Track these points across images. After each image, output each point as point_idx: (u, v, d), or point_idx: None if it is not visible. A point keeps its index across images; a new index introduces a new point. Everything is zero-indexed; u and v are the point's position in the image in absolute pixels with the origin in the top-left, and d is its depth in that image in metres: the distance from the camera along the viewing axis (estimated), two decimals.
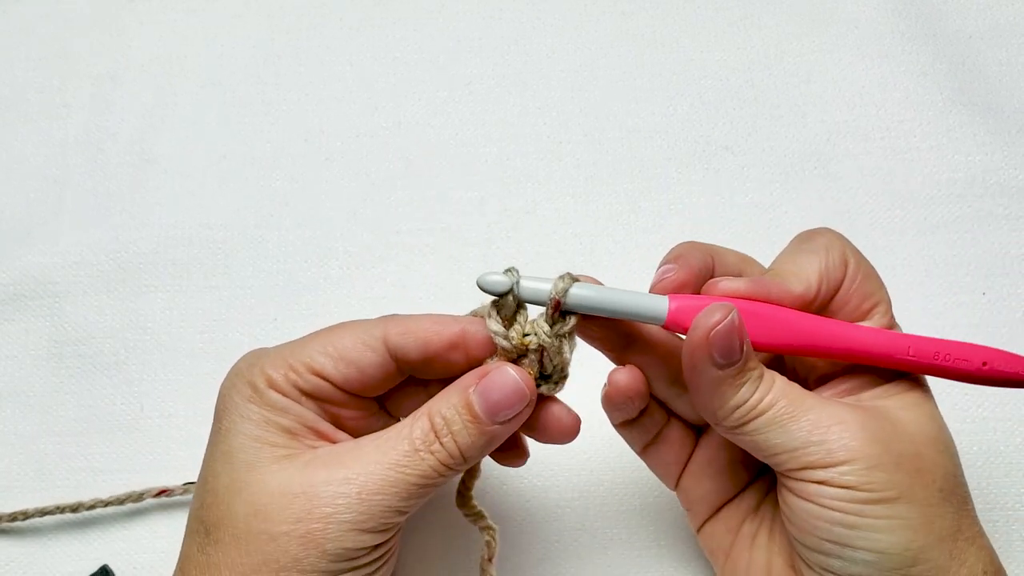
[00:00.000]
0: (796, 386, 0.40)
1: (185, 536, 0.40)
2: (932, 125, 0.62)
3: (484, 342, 0.40)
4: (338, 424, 0.42)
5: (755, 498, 0.46)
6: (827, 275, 0.41)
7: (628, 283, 0.42)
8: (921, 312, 0.57)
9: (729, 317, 0.38)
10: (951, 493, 0.39)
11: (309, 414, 0.40)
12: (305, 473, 0.38)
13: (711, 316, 0.38)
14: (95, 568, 0.53)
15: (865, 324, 0.42)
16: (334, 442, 0.41)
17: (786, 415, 0.38)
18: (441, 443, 0.39)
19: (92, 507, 0.53)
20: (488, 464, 0.45)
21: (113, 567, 0.53)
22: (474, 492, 0.45)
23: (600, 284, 0.40)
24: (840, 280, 0.41)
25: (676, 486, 0.47)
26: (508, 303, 0.40)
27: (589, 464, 0.54)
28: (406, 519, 0.40)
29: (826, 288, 0.41)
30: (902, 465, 0.38)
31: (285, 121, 0.65)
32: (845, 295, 0.42)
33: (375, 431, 0.41)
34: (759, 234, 0.60)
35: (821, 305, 0.42)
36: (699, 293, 0.41)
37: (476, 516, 0.46)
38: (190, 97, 0.66)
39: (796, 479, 0.39)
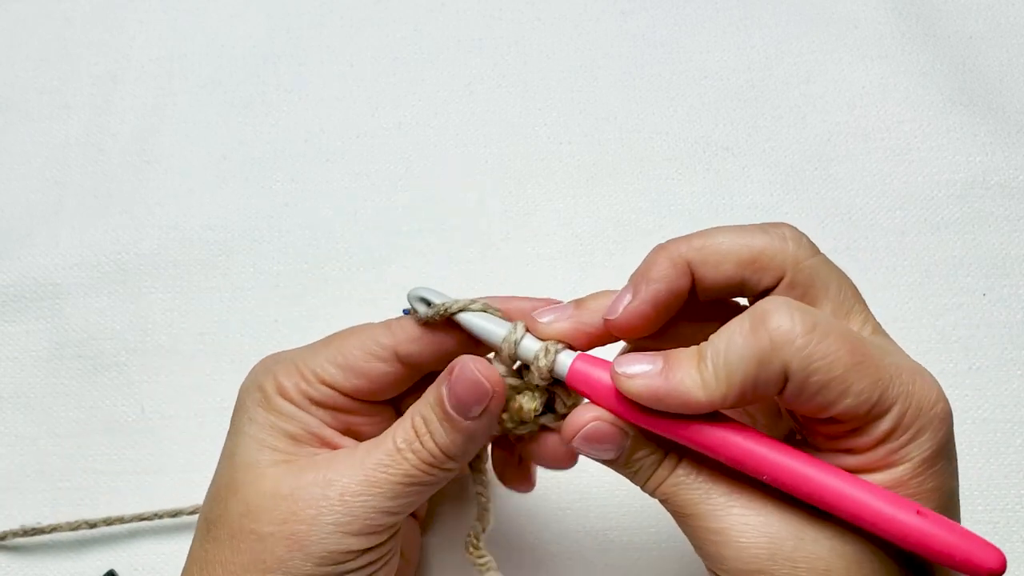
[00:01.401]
0: (701, 483, 0.36)
1: (195, 531, 0.41)
2: (932, 126, 0.62)
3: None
4: (353, 431, 0.42)
5: None
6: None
7: None
8: (921, 312, 0.57)
9: (588, 427, 0.36)
10: None
11: (314, 421, 0.40)
12: (295, 476, 0.38)
13: (578, 419, 0.37)
14: (100, 573, 0.53)
15: None
16: (338, 448, 0.41)
17: (681, 515, 0.37)
18: (421, 442, 0.38)
19: (110, 523, 0.52)
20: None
21: (117, 569, 0.53)
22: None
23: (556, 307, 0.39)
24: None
25: None
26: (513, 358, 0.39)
27: (589, 465, 0.54)
28: (398, 522, 0.40)
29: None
30: None
31: (285, 121, 0.64)
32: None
33: None
34: None
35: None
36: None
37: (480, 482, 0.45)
38: (190, 97, 0.66)
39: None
